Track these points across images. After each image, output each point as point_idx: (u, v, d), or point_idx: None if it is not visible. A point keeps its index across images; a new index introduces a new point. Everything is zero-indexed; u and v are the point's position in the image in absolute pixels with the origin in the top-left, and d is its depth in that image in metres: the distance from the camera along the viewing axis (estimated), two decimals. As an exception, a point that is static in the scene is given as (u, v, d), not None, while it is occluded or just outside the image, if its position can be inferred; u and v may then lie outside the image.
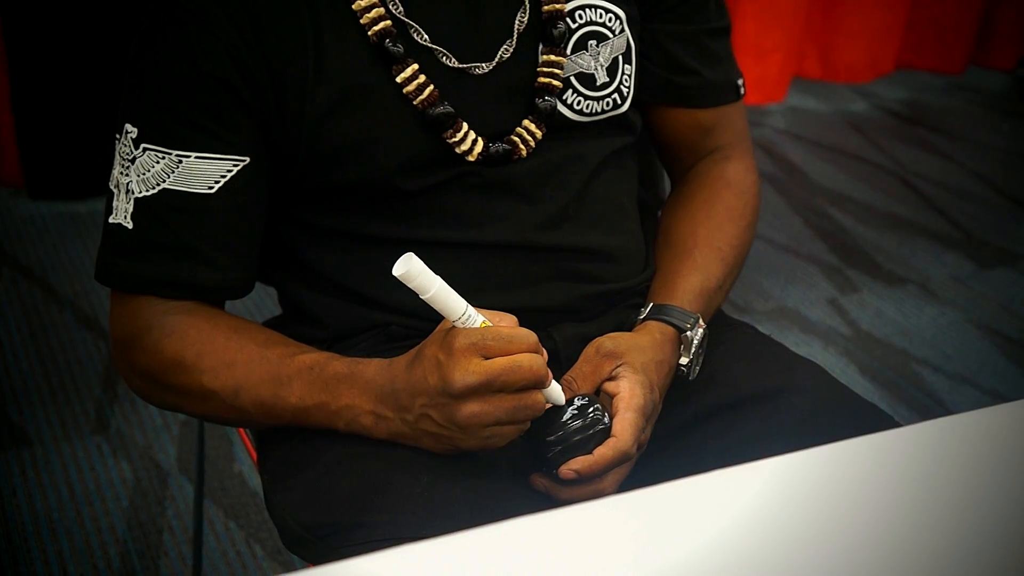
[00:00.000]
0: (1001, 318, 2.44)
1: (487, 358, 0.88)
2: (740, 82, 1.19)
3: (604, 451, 0.94)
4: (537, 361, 0.89)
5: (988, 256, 2.67)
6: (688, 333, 1.05)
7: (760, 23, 3.25)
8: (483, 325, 0.90)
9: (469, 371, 0.88)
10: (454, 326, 0.89)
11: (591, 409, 0.95)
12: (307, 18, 0.98)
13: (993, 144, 3.30)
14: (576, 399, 0.96)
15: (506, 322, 0.91)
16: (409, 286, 0.86)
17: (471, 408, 0.89)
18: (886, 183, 3.00)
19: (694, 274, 1.10)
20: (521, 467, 0.99)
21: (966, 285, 2.55)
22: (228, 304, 1.07)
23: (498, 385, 0.88)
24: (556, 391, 0.95)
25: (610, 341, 1.01)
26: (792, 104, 3.45)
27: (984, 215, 2.86)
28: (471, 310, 0.89)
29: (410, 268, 0.86)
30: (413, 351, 0.93)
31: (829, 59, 3.52)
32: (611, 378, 0.99)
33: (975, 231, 2.78)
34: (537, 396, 0.91)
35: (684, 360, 1.05)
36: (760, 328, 1.19)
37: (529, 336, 0.90)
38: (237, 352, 0.98)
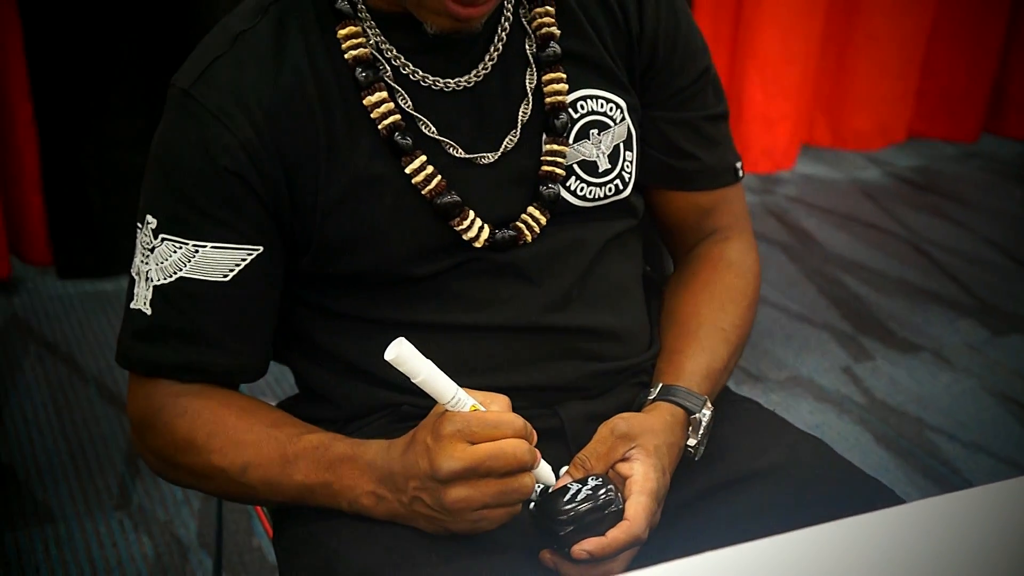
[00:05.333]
0: (1016, 385, 2.43)
1: (473, 443, 0.91)
2: (738, 165, 1.22)
3: (617, 534, 0.96)
4: (522, 447, 0.92)
5: (1002, 323, 2.68)
6: (697, 415, 1.07)
7: (768, 93, 3.29)
8: (472, 408, 0.93)
9: (454, 457, 0.90)
10: (445, 410, 0.92)
11: (604, 490, 0.97)
12: (320, 114, 1.02)
13: (1006, 211, 3.31)
14: (590, 479, 0.98)
15: (497, 403, 0.94)
16: (400, 370, 0.90)
17: (458, 493, 0.92)
18: (899, 250, 3.01)
19: (700, 355, 1.12)
20: (531, 544, 1.01)
21: (980, 352, 2.55)
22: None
23: (483, 470, 0.91)
24: (546, 471, 0.97)
25: (623, 423, 1.03)
26: (803, 172, 3.48)
27: (997, 282, 2.87)
28: (461, 393, 0.92)
29: (400, 353, 0.89)
30: (411, 433, 0.96)
31: (839, 127, 3.55)
32: (624, 459, 1.01)
33: (988, 298, 2.78)
34: (524, 479, 0.93)
35: (692, 442, 1.07)
36: (773, 396, 1.20)
37: (515, 421, 0.93)
38: (246, 432, 1.01)
